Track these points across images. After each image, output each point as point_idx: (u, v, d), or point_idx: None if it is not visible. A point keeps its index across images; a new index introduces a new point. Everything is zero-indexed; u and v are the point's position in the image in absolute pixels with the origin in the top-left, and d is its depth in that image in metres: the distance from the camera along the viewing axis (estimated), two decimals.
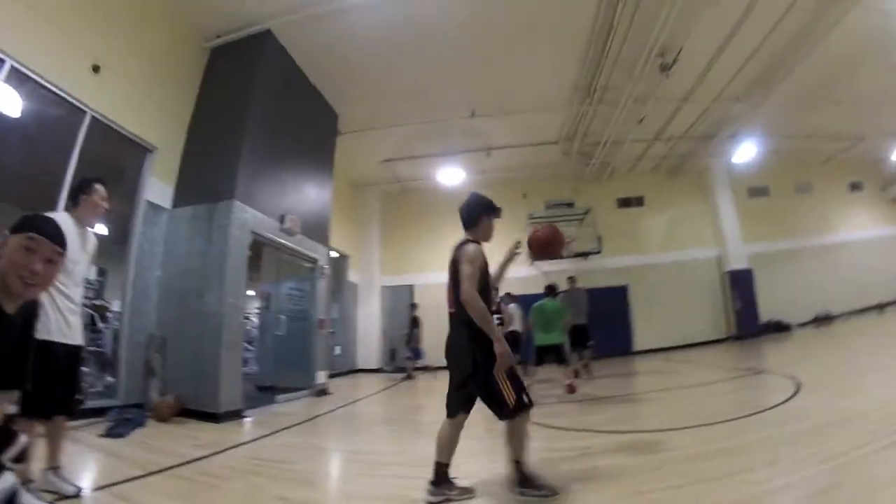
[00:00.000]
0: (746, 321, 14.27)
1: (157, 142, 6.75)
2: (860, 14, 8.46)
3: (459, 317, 2.86)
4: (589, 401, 6.65)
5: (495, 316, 3.20)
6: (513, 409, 2.71)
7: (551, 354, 7.36)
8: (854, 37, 9.29)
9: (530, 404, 2.78)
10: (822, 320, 14.76)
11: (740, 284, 14.49)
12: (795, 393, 5.02)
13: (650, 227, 15.79)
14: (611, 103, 10.78)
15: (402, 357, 12.10)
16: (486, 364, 2.72)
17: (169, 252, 6.69)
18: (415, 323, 12.37)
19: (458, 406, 2.89)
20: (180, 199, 6.93)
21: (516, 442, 2.79)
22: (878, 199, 17.41)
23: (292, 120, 8.58)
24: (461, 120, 11.34)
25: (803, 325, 14.72)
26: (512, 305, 10.48)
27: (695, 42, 8.84)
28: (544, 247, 3.50)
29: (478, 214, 3.20)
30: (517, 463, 2.76)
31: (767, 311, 14.60)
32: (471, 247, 3.00)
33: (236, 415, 6.09)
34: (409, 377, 11.74)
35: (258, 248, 7.67)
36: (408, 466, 3.73)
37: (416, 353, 12.08)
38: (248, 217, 6.84)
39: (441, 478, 2.80)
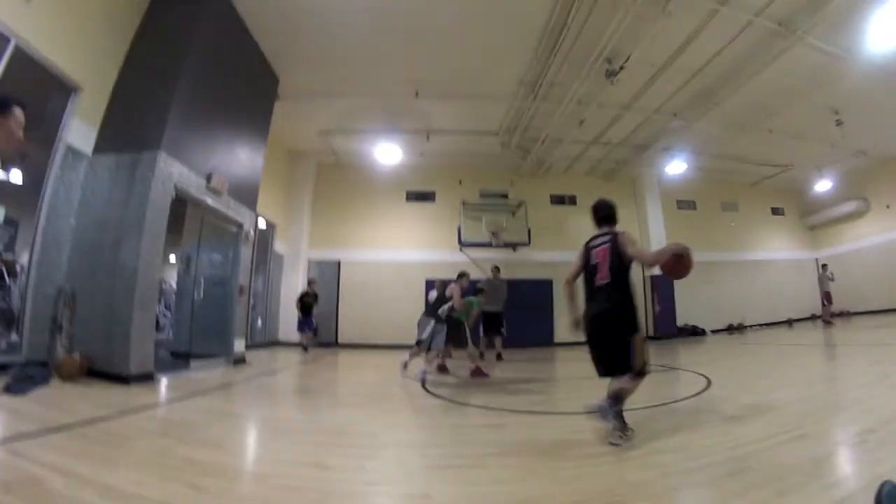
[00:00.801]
0: (664, 323, 15.20)
1: (84, 81, 6.19)
2: (802, 51, 9.05)
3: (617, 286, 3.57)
4: (506, 384, 6.90)
5: None
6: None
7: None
8: (794, 71, 9.97)
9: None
10: (735, 329, 16.12)
11: (661, 289, 15.37)
12: (705, 389, 5.43)
13: (580, 225, 16.12)
14: (554, 101, 11.01)
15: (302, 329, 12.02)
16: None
17: (86, 201, 6.19)
18: (315, 298, 12.36)
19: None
20: (103, 144, 6.40)
21: (628, 392, 3.41)
22: (798, 225, 19.40)
23: (231, 76, 8.16)
24: (405, 99, 11.24)
25: (717, 331, 15.95)
26: (432, 292, 10.67)
27: (643, 52, 9.13)
28: (678, 273, 3.75)
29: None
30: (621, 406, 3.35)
31: (684, 315, 15.65)
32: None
33: (147, 378, 5.80)
34: (306, 349, 11.75)
35: (181, 206, 7.30)
36: (318, 434, 3.80)
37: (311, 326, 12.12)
38: (173, 171, 6.48)
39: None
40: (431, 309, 7.63)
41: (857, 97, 11.22)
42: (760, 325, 16.59)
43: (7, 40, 5.18)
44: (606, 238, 3.76)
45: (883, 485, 1.81)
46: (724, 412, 4.19)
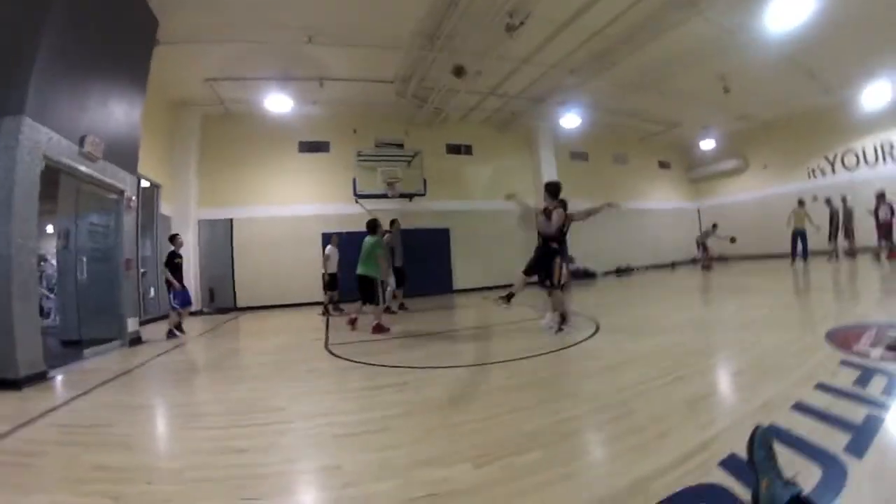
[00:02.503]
0: None
1: None
2: (698, 22, 9.81)
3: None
4: (406, 338, 7.23)
5: None
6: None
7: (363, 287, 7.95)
8: (688, 39, 10.75)
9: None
10: (623, 271, 17.89)
11: None
12: (594, 333, 5.98)
13: (476, 175, 16.73)
14: (452, 52, 10.91)
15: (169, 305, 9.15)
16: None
17: None
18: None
19: None
20: None
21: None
22: (682, 178, 22.07)
23: (102, 22, 7.13)
24: (297, 45, 10.64)
25: (607, 273, 17.52)
26: (329, 247, 11.06)
27: (545, 9, 9.27)
28: None
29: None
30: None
31: (577, 259, 16.67)
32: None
33: (40, 378, 5.33)
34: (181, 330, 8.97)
35: (54, 175, 6.45)
36: (227, 415, 3.81)
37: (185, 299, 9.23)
38: (40, 138, 5.71)
39: None
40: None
41: (744, 67, 12.55)
42: (647, 267, 18.43)
43: None
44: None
45: (756, 429, 2.07)
46: (611, 357, 4.70)
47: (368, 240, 8.25)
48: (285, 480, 2.56)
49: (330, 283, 11.37)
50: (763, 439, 2.00)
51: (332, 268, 11.30)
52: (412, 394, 4.00)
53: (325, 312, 11.01)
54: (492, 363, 4.92)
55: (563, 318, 6.42)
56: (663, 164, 21.53)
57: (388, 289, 10.10)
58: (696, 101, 15.32)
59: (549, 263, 6.43)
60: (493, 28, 9.71)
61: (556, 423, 2.96)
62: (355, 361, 5.53)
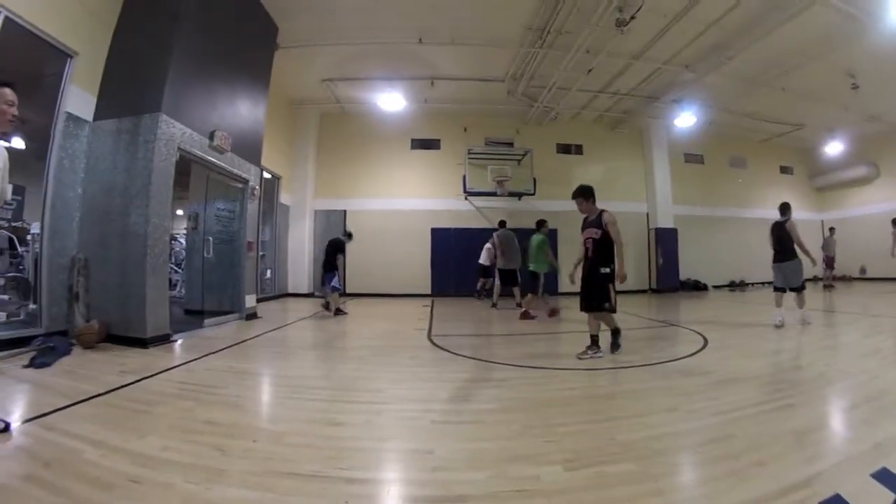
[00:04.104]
0: (667, 277, 15.39)
1: (79, 47, 6.09)
2: (822, 10, 8.78)
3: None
4: (510, 336, 7.15)
5: None
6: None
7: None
8: (812, 30, 9.73)
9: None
10: (737, 286, 16.38)
11: (665, 242, 15.49)
12: (701, 349, 5.57)
13: (586, 175, 16.05)
14: (562, 49, 10.73)
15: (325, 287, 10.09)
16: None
17: (91, 168, 6.26)
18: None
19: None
20: (103, 110, 6.38)
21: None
22: (805, 185, 19.41)
23: (228, 30, 7.97)
24: (408, 45, 10.97)
25: (719, 287, 16.19)
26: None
27: (655, 2, 8.85)
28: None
29: None
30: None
31: (687, 269, 15.82)
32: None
33: (164, 339, 6.06)
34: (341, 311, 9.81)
35: (186, 165, 7.30)
36: (329, 390, 3.98)
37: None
38: (175, 132, 6.48)
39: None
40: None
41: (874, 62, 11.01)
42: (762, 283, 16.59)
43: None
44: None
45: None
46: (716, 375, 4.30)
47: (536, 237, 9.01)
48: (378, 456, 2.64)
49: (482, 272, 12.70)
50: None
51: (483, 260, 12.43)
52: (510, 391, 3.95)
53: (479, 296, 12.95)
54: (593, 370, 4.66)
55: (615, 336, 5.53)
56: (785, 170, 19.22)
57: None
58: (820, 100, 13.66)
59: (603, 289, 5.25)
60: (602, 23, 9.37)
61: (652, 437, 2.79)
62: (456, 354, 5.56)
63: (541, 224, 9.24)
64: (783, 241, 7.34)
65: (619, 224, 5.17)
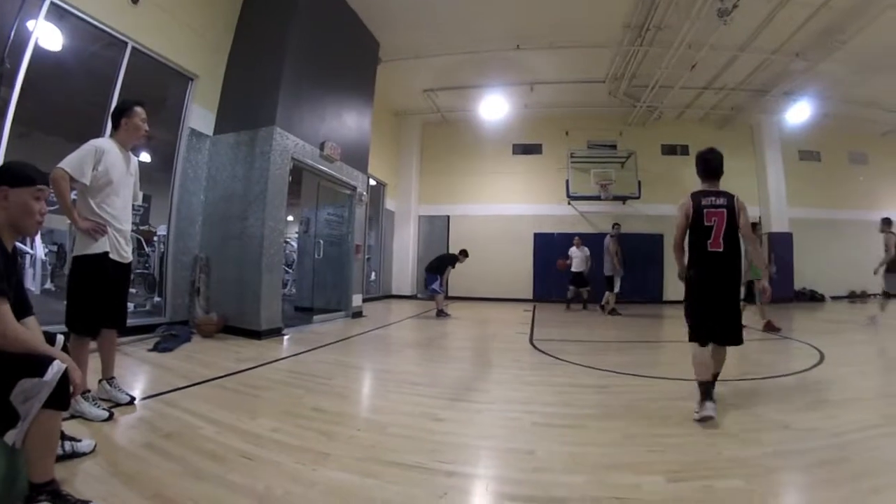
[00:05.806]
0: (781, 286, 13.83)
1: (198, 70, 6.84)
2: None
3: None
4: (611, 341, 6.92)
5: None
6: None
7: None
8: None
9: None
10: (858, 297, 14.39)
11: (779, 248, 13.87)
12: (817, 364, 5.04)
13: (693, 177, 15.13)
14: (663, 45, 10.17)
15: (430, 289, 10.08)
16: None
17: (212, 177, 6.96)
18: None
19: None
20: (222, 125, 7.09)
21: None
22: None
23: (333, 47, 8.44)
24: (506, 52, 10.94)
25: (837, 298, 14.41)
26: (572, 248, 11.78)
27: None
28: None
29: None
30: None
31: (802, 279, 14.30)
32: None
33: (276, 332, 6.50)
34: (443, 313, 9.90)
35: (298, 173, 7.82)
36: (432, 387, 4.04)
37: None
38: (288, 143, 6.95)
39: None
40: None
41: None
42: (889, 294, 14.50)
43: (124, 44, 5.79)
44: (722, 200, 3.54)
45: None
46: (833, 393, 3.89)
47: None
48: (478, 453, 2.63)
49: (576, 280, 12.11)
50: None
51: (575, 266, 12.00)
52: (613, 397, 3.80)
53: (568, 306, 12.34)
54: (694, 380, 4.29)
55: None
56: None
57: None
58: None
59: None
60: (703, 15, 8.77)
61: (762, 455, 2.56)
62: (559, 358, 5.44)
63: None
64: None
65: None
